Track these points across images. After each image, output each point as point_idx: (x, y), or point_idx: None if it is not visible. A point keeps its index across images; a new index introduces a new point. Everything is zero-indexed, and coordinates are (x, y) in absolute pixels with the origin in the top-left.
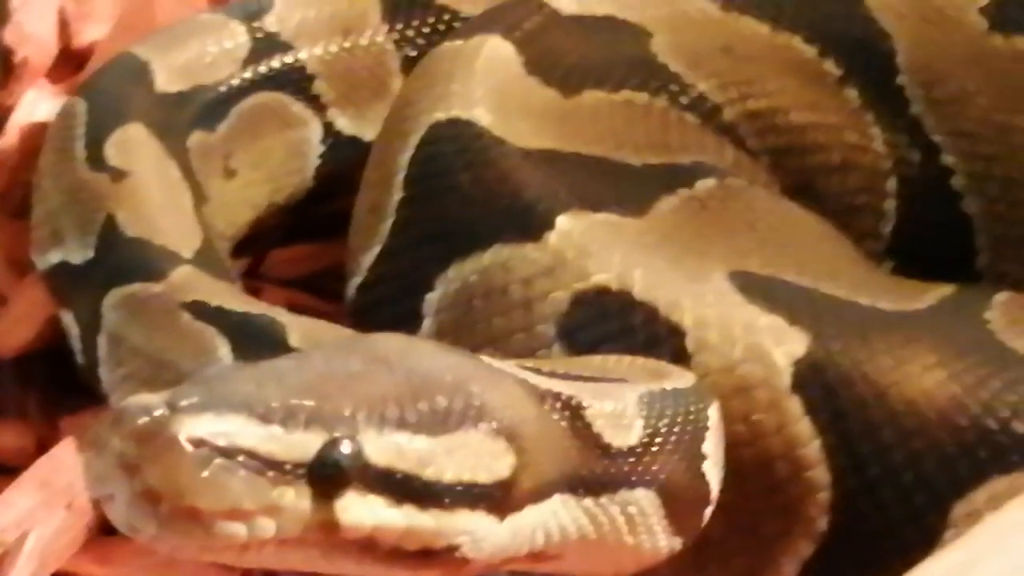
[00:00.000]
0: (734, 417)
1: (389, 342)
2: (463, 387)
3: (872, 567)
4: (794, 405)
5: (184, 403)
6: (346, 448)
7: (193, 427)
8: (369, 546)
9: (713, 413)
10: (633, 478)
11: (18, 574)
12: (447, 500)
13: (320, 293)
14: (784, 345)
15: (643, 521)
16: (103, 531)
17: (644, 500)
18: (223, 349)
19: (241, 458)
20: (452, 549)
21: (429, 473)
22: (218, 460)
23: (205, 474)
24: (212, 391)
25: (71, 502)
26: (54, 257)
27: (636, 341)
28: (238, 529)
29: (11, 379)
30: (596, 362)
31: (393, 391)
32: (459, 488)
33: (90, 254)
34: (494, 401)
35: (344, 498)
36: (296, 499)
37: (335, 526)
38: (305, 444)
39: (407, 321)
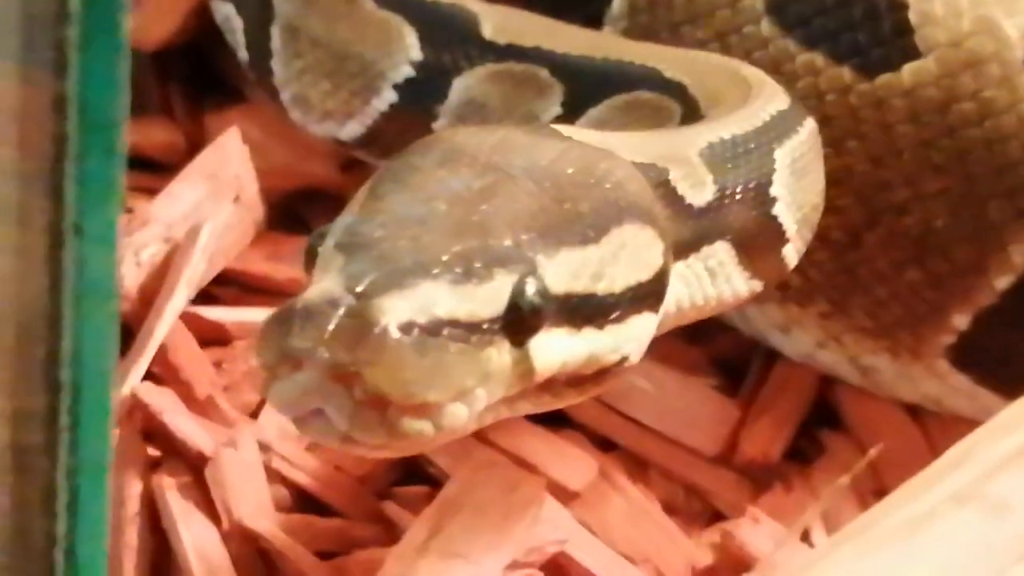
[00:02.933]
0: (962, 95)
1: (471, 141)
2: (592, 177)
3: None
4: None
5: (366, 284)
6: (533, 286)
7: (397, 311)
8: (550, 382)
9: (785, 152)
10: (712, 232)
11: (192, 271)
12: (620, 311)
13: None
14: (1016, 16)
15: (721, 271)
16: (271, 226)
17: (721, 251)
18: (410, 39)
19: (446, 331)
20: (622, 360)
21: (602, 288)
22: (432, 341)
23: (428, 363)
24: (376, 258)
25: (238, 195)
26: None
27: (853, 16)
28: (461, 410)
29: (152, 74)
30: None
31: (535, 203)
32: (629, 294)
33: None
34: (626, 185)
35: (535, 339)
36: (499, 356)
37: (531, 372)
38: (495, 294)
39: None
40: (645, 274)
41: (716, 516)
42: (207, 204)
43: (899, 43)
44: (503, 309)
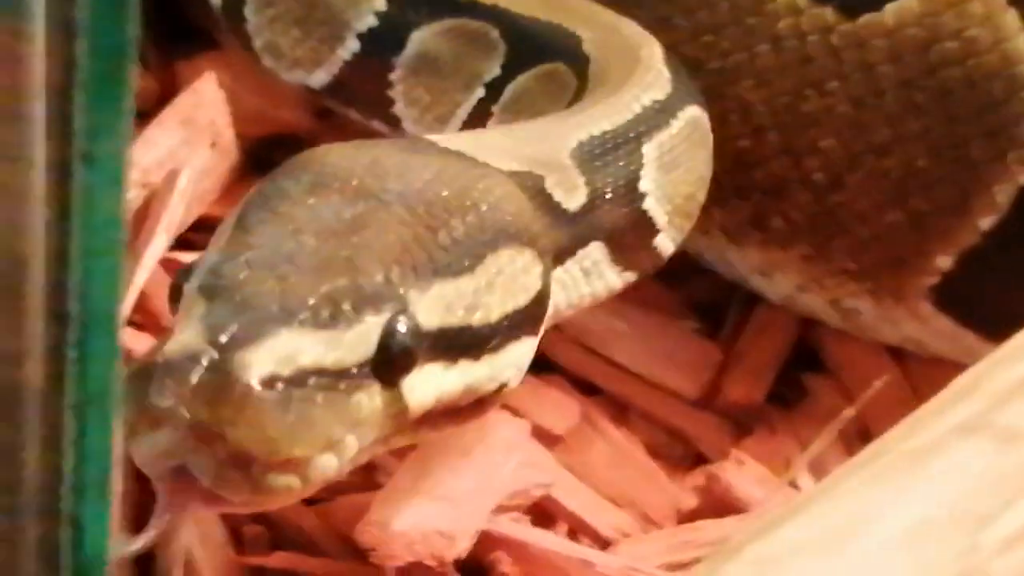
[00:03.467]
0: (944, 34)
1: (343, 163)
2: (468, 199)
3: None
4: (1011, 19)
5: (228, 336)
6: (403, 326)
7: (258, 365)
8: (427, 416)
9: (653, 147)
10: (587, 234)
11: (171, 216)
12: (496, 340)
13: None
14: None
15: (595, 269)
16: (245, 173)
17: (595, 251)
18: None
19: (312, 380)
20: (501, 388)
21: (478, 319)
22: (297, 393)
23: (292, 417)
24: (239, 305)
25: (215, 140)
26: None
27: None
28: (330, 461)
29: None
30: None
31: (407, 233)
32: (506, 323)
33: None
34: (503, 206)
35: (408, 378)
36: (369, 401)
37: (404, 411)
38: (363, 337)
39: None
40: (523, 299)
41: (699, 459)
42: (183, 150)
43: None
44: (372, 352)
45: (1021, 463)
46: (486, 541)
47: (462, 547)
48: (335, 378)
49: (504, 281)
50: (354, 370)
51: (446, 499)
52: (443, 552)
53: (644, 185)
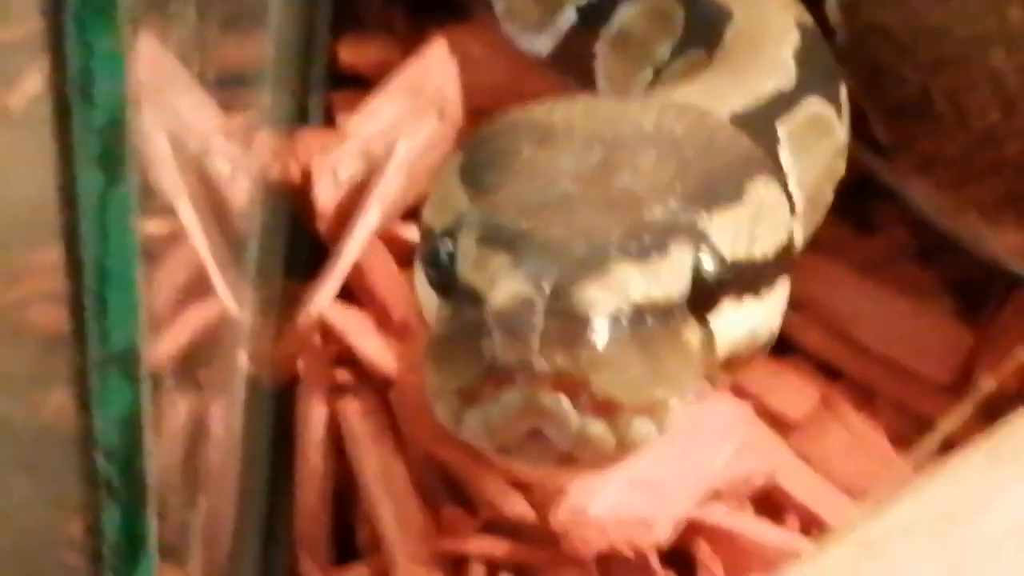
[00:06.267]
0: None
1: (553, 117)
2: (704, 134)
3: None
4: None
5: (555, 279)
6: (710, 256)
7: (603, 303)
8: (723, 364)
9: (784, 128)
10: None
11: (386, 188)
12: (771, 277)
13: None
14: None
15: None
16: None
17: None
18: None
19: (648, 317)
20: (772, 338)
21: (758, 252)
22: (640, 329)
23: (647, 355)
24: (543, 248)
25: (442, 110)
26: None
27: None
28: (677, 404)
29: None
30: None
31: (664, 168)
32: (777, 258)
33: None
34: (740, 138)
35: (715, 315)
36: (693, 339)
37: (714, 354)
38: (678, 270)
39: None
40: (784, 233)
41: (947, 448)
42: (408, 121)
43: None
44: (688, 285)
45: None
46: (694, 530)
47: (661, 535)
48: (664, 314)
49: (767, 212)
50: (676, 305)
51: (648, 485)
52: (640, 539)
53: (785, 164)
